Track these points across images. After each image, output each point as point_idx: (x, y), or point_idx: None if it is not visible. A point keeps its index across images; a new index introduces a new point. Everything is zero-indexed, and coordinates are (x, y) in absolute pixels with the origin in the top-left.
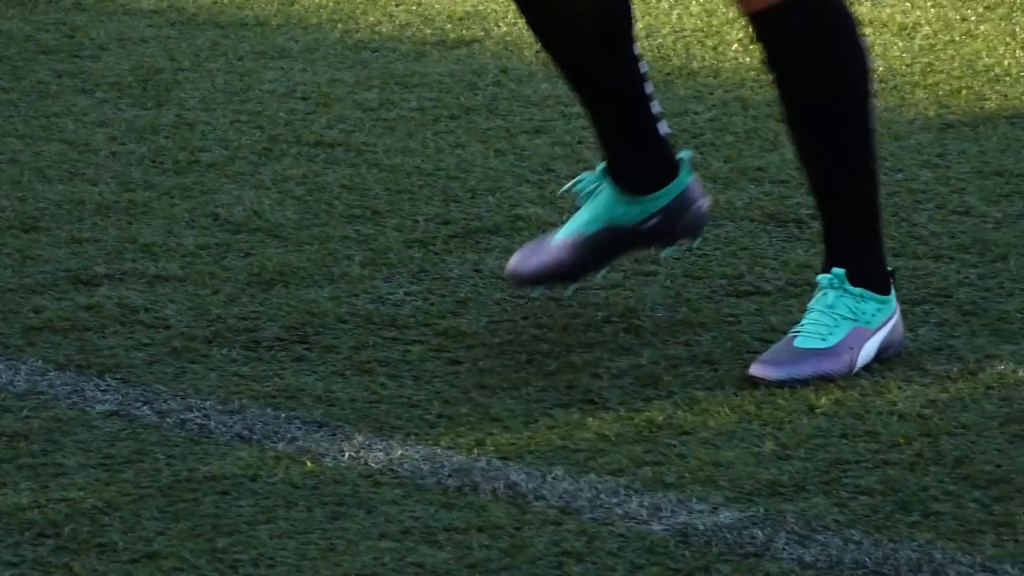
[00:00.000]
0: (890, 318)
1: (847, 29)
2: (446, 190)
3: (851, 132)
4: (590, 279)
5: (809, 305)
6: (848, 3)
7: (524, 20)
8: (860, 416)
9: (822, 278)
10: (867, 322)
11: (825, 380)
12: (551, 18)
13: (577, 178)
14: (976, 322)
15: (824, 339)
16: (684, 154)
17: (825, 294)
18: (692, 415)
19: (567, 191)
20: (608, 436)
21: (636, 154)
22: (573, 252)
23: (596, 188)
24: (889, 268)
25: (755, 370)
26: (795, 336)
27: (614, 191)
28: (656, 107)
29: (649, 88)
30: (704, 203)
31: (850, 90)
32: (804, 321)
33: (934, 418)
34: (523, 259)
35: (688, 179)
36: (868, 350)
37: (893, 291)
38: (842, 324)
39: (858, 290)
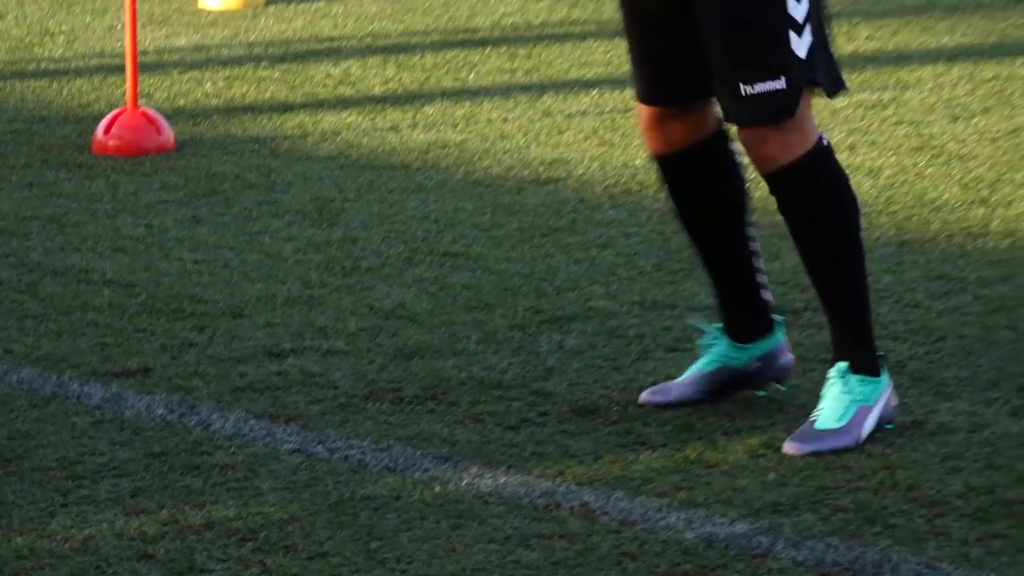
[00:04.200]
0: (884, 392)
1: (840, 180)
2: (538, 288)
3: (846, 256)
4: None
5: (822, 392)
6: (839, 164)
7: (672, 202)
8: (838, 455)
9: (831, 371)
10: (866, 400)
11: (839, 453)
12: (688, 201)
13: (705, 331)
14: (923, 386)
15: (838, 420)
16: (778, 317)
17: (834, 383)
18: (716, 453)
19: (694, 329)
20: (655, 468)
21: (745, 313)
22: (695, 386)
23: (715, 340)
24: (879, 353)
25: (787, 447)
26: (815, 420)
27: (727, 341)
28: (763, 278)
29: (759, 263)
30: (790, 357)
31: (843, 225)
32: (820, 406)
33: (892, 456)
34: (656, 393)
35: (780, 336)
36: (869, 423)
37: (884, 371)
38: (850, 407)
39: (858, 376)
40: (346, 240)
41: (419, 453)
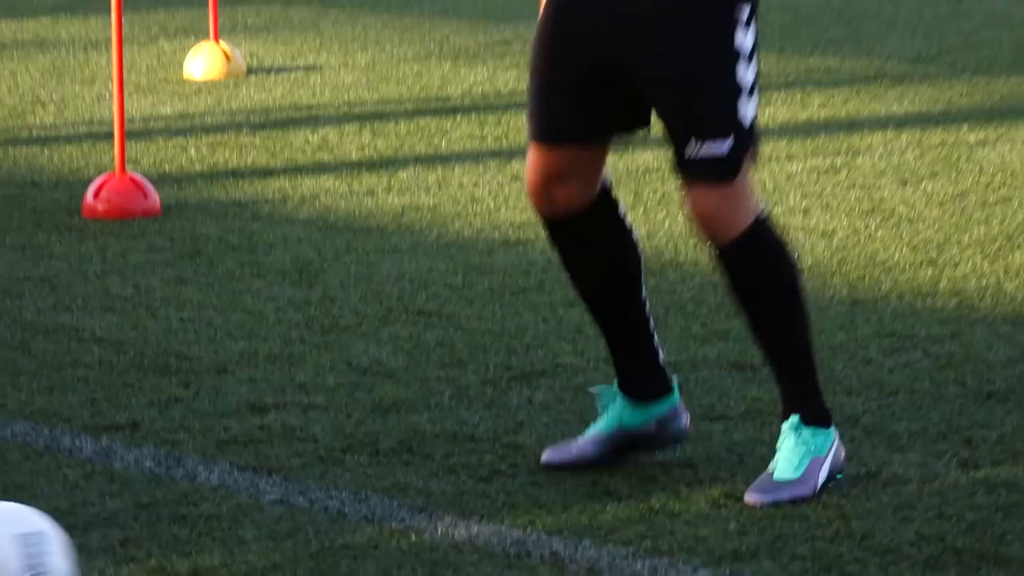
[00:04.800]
0: (833, 444)
1: (782, 247)
2: (509, 345)
3: (791, 318)
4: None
5: (778, 445)
6: (780, 229)
7: (563, 266)
8: (795, 504)
9: (784, 425)
10: (819, 451)
11: (797, 503)
12: (579, 267)
13: (600, 391)
14: (876, 439)
15: (795, 471)
16: (674, 378)
17: (788, 436)
18: (679, 503)
19: (593, 393)
20: (621, 518)
21: (640, 374)
22: (594, 446)
23: (612, 399)
24: (827, 406)
25: (748, 498)
26: (773, 471)
27: (624, 400)
28: (655, 342)
29: (652, 327)
30: (686, 419)
31: (788, 289)
32: (776, 458)
33: (847, 506)
34: (556, 453)
35: (677, 399)
36: (823, 474)
37: (832, 424)
38: (804, 457)
39: (810, 428)
40: (325, 300)
41: (396, 503)
